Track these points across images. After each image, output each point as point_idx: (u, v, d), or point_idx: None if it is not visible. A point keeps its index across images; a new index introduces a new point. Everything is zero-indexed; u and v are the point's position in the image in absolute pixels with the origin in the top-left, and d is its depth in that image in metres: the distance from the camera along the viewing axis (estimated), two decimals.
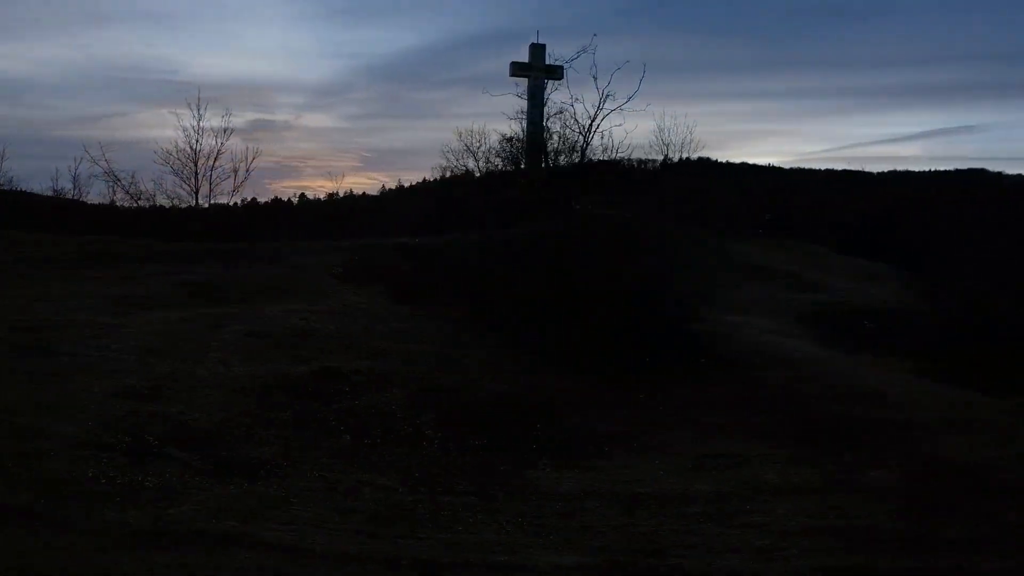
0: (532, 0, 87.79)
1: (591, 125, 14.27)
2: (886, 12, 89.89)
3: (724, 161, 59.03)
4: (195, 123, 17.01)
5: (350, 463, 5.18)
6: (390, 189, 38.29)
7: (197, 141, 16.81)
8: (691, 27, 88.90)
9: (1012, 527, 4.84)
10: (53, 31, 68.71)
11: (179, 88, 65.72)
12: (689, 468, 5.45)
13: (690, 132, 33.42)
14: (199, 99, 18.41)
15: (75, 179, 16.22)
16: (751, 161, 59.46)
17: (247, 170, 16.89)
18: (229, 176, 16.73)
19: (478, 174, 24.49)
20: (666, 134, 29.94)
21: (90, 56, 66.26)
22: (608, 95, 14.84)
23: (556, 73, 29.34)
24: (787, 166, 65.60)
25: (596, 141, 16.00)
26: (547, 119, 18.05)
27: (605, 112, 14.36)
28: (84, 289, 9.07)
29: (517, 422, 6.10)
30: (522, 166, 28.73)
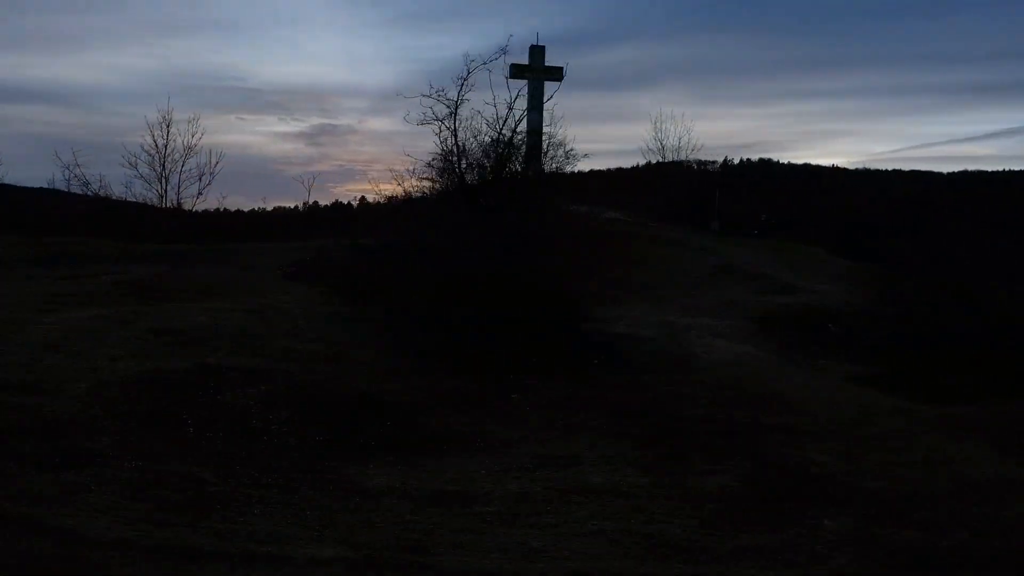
0: (595, 4, 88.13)
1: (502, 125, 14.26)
2: (959, 8, 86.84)
3: (786, 163, 58.23)
4: (164, 127, 17.59)
5: (177, 454, 5.33)
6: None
7: (165, 145, 17.36)
8: (758, 27, 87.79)
9: (821, 536, 4.69)
10: (128, 41, 72.00)
11: (248, 95, 67.87)
12: (514, 468, 5.44)
13: (688, 133, 33.03)
14: (168, 101, 18.90)
15: (68, 182, 16.98)
16: (815, 162, 58.56)
17: (211, 174, 17.33)
18: (194, 181, 17.18)
19: (467, 177, 24.79)
20: (662, 136, 29.72)
21: (163, 64, 69.20)
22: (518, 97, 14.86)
23: (556, 74, 29.36)
24: (853, 167, 64.10)
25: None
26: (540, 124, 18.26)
27: (517, 112, 14.35)
28: (26, 288, 9.53)
29: (369, 420, 6.18)
30: (519, 167, 28.65)
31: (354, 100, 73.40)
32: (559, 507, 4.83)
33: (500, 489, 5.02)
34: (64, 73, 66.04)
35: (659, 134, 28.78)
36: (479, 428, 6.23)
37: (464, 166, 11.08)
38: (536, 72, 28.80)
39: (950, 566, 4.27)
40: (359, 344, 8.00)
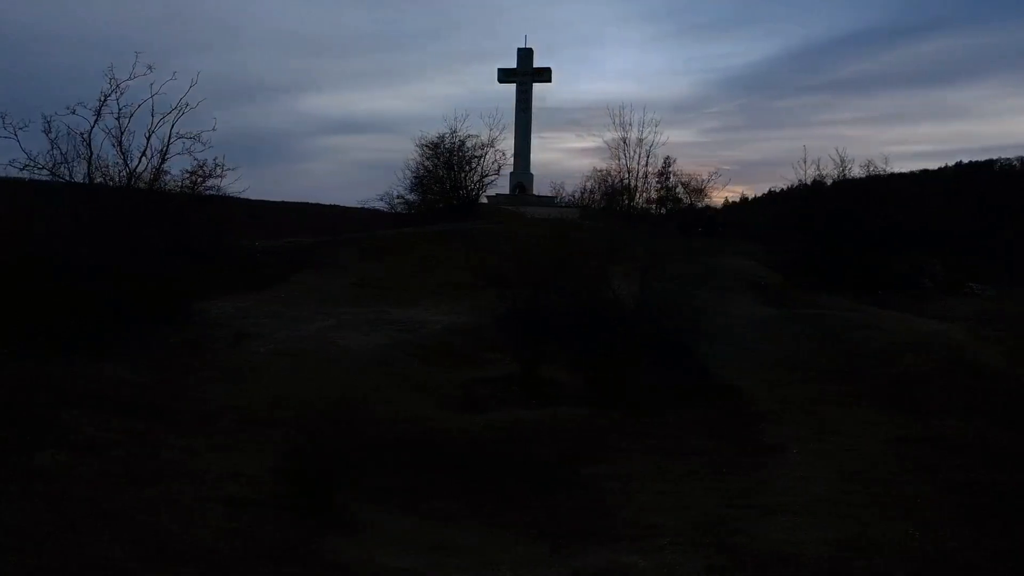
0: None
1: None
2: None
3: None
4: None
5: None
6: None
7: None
8: None
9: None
10: (436, 72, 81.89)
11: (547, 114, 71.78)
12: None
13: (654, 138, 29.11)
14: None
15: None
16: None
17: None
18: None
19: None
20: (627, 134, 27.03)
21: (468, 90, 77.69)
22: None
23: (544, 76, 28.46)
24: None
25: None
26: None
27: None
28: None
29: None
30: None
31: (649, 113, 75.40)
32: None
33: None
34: (382, 105, 78.01)
35: (625, 135, 26.06)
36: None
37: None
38: (524, 75, 28.27)
39: None
40: None
